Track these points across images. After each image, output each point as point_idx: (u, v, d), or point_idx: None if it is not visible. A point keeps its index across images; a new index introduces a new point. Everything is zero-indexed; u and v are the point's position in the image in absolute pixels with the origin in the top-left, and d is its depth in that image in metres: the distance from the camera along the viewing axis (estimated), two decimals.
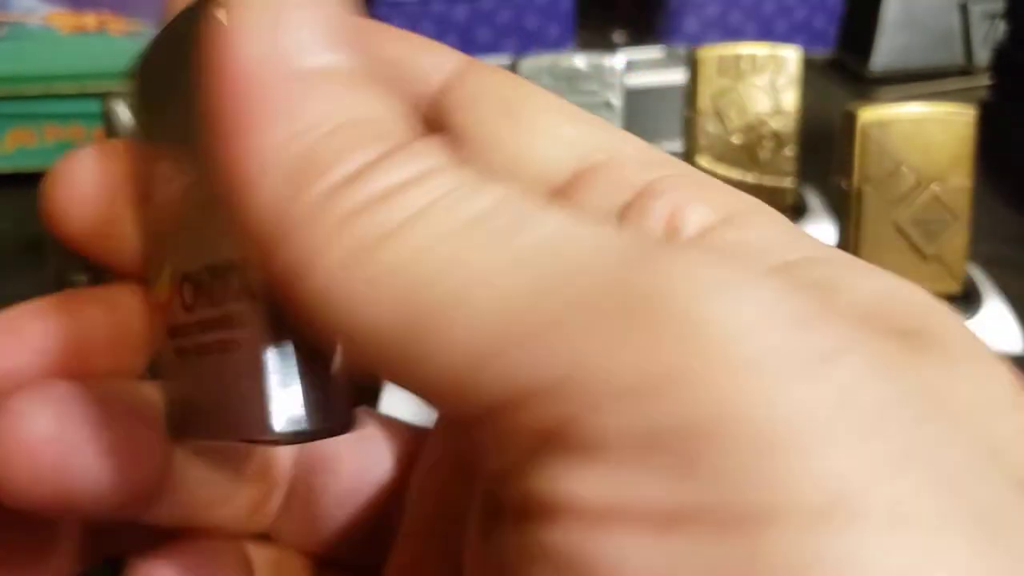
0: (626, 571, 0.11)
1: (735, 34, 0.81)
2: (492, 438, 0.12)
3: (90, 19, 0.62)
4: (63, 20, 0.62)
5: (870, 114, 0.49)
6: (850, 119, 0.50)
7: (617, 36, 0.84)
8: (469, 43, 0.63)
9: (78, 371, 0.17)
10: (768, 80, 0.56)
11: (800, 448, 0.10)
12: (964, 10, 0.74)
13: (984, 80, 0.72)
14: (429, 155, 0.13)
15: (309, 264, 0.12)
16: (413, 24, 0.61)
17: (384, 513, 0.19)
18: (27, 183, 0.51)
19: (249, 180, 0.13)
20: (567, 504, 0.11)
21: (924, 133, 0.49)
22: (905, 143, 0.49)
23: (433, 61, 0.17)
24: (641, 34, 0.83)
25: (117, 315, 0.17)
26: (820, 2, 0.72)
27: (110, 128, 0.50)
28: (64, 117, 0.59)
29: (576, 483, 0.11)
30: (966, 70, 0.76)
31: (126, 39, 0.62)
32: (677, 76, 0.63)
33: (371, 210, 0.12)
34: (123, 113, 0.50)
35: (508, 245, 0.12)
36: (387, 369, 0.12)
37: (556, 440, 0.11)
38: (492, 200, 0.12)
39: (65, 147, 0.59)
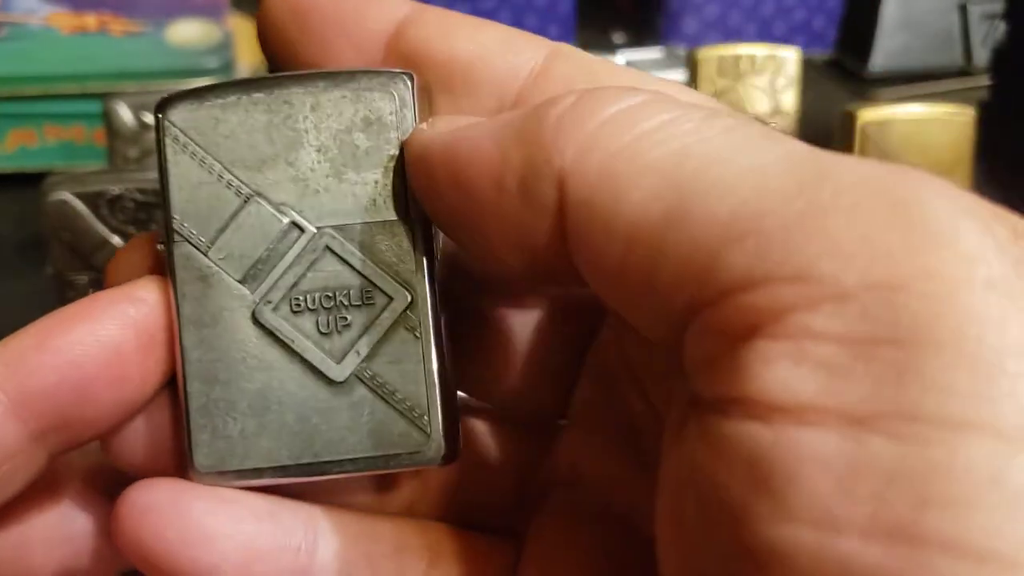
0: (807, 465, 0.11)
1: (734, 35, 0.81)
2: (709, 323, 0.13)
3: (91, 20, 0.63)
4: (64, 20, 0.62)
5: (869, 114, 0.49)
6: (849, 119, 0.50)
7: (617, 37, 0.84)
8: None
9: (114, 375, 0.17)
10: (767, 81, 0.56)
11: (1017, 373, 0.11)
12: (963, 11, 0.74)
13: (983, 81, 0.72)
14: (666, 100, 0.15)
15: (586, 155, 0.14)
16: None
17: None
18: (28, 183, 0.51)
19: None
20: (763, 398, 0.12)
21: (923, 133, 0.50)
22: (904, 143, 0.49)
23: (521, 55, 0.18)
24: (641, 35, 0.83)
25: (143, 314, 0.17)
26: (819, 3, 0.73)
27: (110, 128, 0.50)
28: (65, 117, 0.59)
29: (778, 378, 0.12)
30: (965, 71, 0.76)
31: (127, 39, 0.62)
32: (677, 76, 0.63)
33: (632, 120, 0.14)
34: (123, 113, 0.50)
35: (771, 148, 0.13)
36: (638, 253, 0.14)
37: (772, 330, 0.12)
38: (734, 121, 0.14)
39: (66, 147, 0.59)
